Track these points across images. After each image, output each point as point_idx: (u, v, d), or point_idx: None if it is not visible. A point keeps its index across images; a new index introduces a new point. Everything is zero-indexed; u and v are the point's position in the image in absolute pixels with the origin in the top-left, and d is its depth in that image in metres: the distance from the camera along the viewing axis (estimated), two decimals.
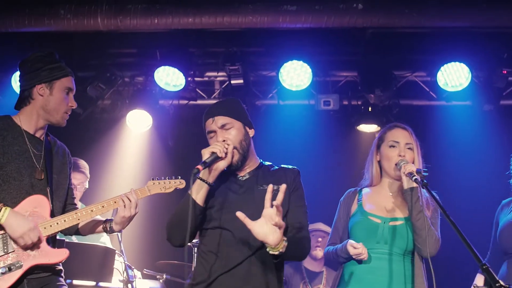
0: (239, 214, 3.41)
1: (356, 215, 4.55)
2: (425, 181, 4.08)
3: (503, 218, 4.93)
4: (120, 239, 5.87)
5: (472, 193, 7.11)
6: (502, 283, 3.12)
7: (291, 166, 4.02)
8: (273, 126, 7.89)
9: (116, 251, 5.95)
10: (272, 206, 3.42)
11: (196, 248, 5.80)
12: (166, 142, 8.18)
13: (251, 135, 3.96)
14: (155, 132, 8.11)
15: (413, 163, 4.43)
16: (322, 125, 7.91)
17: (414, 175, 4.16)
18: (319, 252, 7.44)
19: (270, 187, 3.46)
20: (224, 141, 3.80)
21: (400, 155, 4.47)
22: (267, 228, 3.40)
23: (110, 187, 7.61)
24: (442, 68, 7.29)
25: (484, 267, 3.20)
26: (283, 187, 3.46)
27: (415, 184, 4.21)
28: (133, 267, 5.87)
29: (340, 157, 8.25)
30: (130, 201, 4.22)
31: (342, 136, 8.17)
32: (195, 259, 5.86)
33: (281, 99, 7.92)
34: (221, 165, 3.75)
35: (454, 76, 7.36)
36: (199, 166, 3.61)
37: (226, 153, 3.75)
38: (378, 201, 4.56)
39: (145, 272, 6.45)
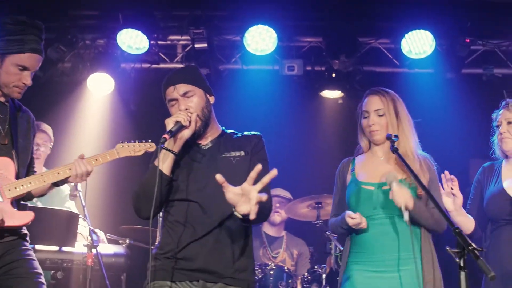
0: (219, 177, 3.37)
1: (351, 186, 4.55)
2: (395, 146, 4.17)
3: (489, 186, 4.94)
4: (83, 204, 5.81)
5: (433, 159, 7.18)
6: (474, 245, 3.15)
7: (254, 132, 4.00)
8: (236, 91, 7.85)
9: (80, 216, 5.89)
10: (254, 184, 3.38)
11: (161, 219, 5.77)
12: (128, 106, 8.08)
13: (211, 102, 3.93)
14: (117, 95, 8.00)
15: (387, 127, 4.46)
16: (286, 91, 7.89)
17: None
18: (277, 217, 7.50)
19: (258, 167, 3.38)
20: (186, 109, 3.77)
21: (369, 125, 4.49)
22: (240, 198, 3.37)
23: (72, 150, 7.47)
24: (406, 35, 7.31)
25: (456, 230, 3.24)
26: (258, 167, 3.39)
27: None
28: (97, 231, 5.82)
29: (303, 123, 8.25)
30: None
31: (305, 102, 8.17)
32: (159, 227, 5.82)
33: (244, 63, 7.86)
34: (186, 133, 3.72)
35: (418, 44, 7.38)
36: (166, 136, 3.59)
37: (190, 122, 3.73)
38: (370, 168, 4.55)
39: (108, 236, 6.40)
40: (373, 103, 4.55)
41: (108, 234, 6.41)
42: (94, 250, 5.65)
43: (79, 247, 5.84)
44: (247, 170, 3.53)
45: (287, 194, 7.62)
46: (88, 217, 5.80)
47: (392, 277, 4.33)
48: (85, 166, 4.16)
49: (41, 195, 4.42)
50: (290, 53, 7.79)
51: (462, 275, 3.14)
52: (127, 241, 6.40)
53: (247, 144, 3.89)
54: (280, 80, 7.78)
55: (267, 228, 7.60)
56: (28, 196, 4.32)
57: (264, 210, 3.63)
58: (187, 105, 3.78)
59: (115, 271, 6.19)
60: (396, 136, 4.26)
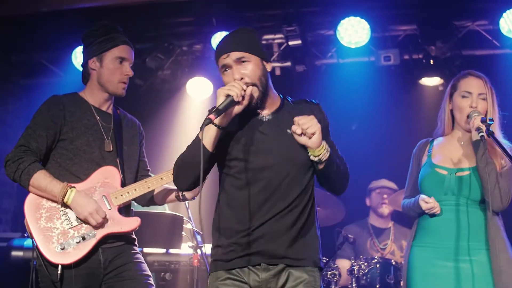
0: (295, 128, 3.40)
1: (425, 167, 4.49)
2: (490, 130, 4.01)
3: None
4: (187, 206, 5.92)
5: None
6: None
7: (313, 101, 3.70)
8: (334, 85, 7.80)
9: (184, 218, 6.01)
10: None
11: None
12: None
13: (268, 70, 3.58)
14: (216, 99, 8.09)
15: (486, 114, 4.34)
16: (384, 81, 7.78)
17: (481, 131, 4.07)
18: (385, 209, 7.40)
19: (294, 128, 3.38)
20: (242, 78, 3.44)
21: (471, 106, 4.38)
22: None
23: (175, 156, 7.62)
24: (504, 14, 7.05)
25: None
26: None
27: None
28: (201, 232, 5.90)
29: (403, 113, 8.13)
30: None
31: (404, 91, 8.04)
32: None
33: (340, 57, 7.81)
34: (237, 110, 3.41)
35: None
36: (211, 116, 3.31)
37: (243, 96, 3.39)
38: (447, 152, 4.47)
39: None
40: (477, 86, 4.42)
41: None
42: (199, 251, 5.75)
43: (185, 248, 5.96)
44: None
45: (392, 185, 7.50)
46: (192, 218, 5.90)
47: (460, 267, 4.24)
48: None
49: (161, 204, 4.60)
50: (386, 43, 7.67)
51: None
52: None
53: (310, 114, 3.55)
54: (377, 71, 7.69)
55: (373, 220, 7.53)
56: (144, 201, 4.51)
57: (341, 165, 3.57)
58: (241, 72, 3.45)
59: None
60: (491, 120, 4.11)
